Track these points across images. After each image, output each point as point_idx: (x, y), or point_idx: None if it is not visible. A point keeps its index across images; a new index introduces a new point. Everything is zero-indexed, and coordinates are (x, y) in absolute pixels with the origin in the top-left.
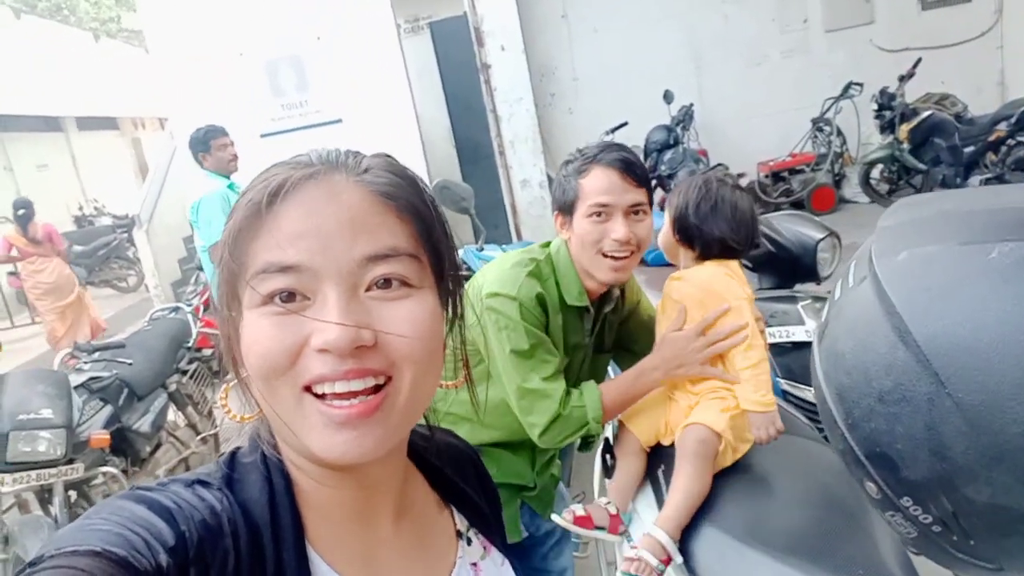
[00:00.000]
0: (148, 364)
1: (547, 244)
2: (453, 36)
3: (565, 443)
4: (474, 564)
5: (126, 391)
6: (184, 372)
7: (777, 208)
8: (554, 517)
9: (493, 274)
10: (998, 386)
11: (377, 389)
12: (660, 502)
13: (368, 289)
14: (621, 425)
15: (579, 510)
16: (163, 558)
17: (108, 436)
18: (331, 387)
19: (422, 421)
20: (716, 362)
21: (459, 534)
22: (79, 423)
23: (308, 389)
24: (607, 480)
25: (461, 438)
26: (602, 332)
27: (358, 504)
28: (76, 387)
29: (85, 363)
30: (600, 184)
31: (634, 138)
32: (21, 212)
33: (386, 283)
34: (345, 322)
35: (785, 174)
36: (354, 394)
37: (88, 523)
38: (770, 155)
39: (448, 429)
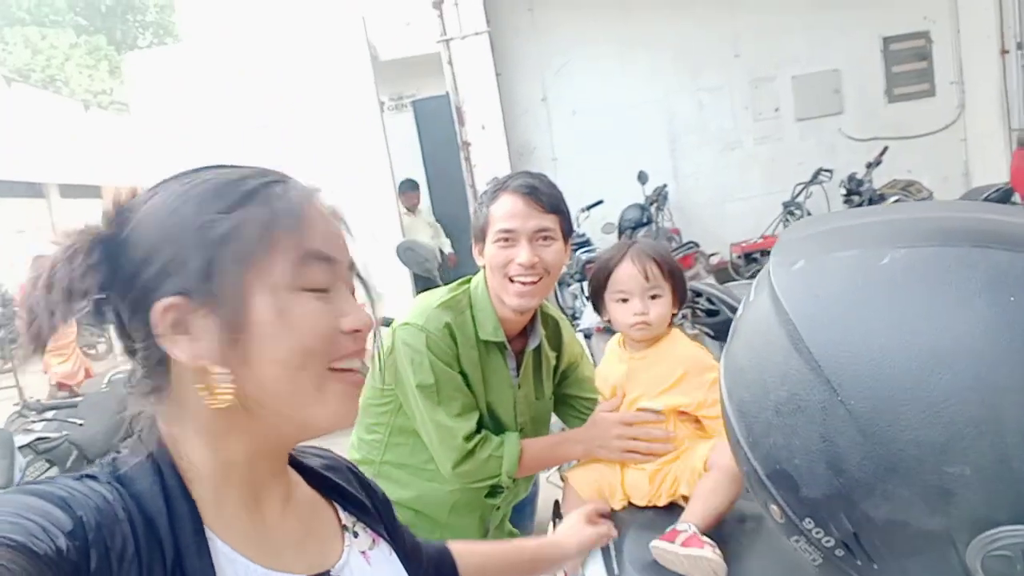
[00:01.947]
0: (101, 426)
1: (468, 280)
2: (435, 114)
3: (476, 484)
4: (363, 553)
5: (75, 453)
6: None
7: None
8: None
9: (411, 306)
10: (889, 392)
11: None
12: (611, 571)
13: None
14: (565, 480)
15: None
16: (62, 542)
17: None
18: (352, 363)
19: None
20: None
21: (344, 527)
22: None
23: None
24: None
25: (329, 451)
26: (538, 377)
27: (250, 492)
28: (21, 447)
29: (35, 422)
30: (506, 210)
31: (609, 216)
32: None
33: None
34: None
35: (757, 255)
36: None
37: None
38: (742, 236)
39: (326, 449)
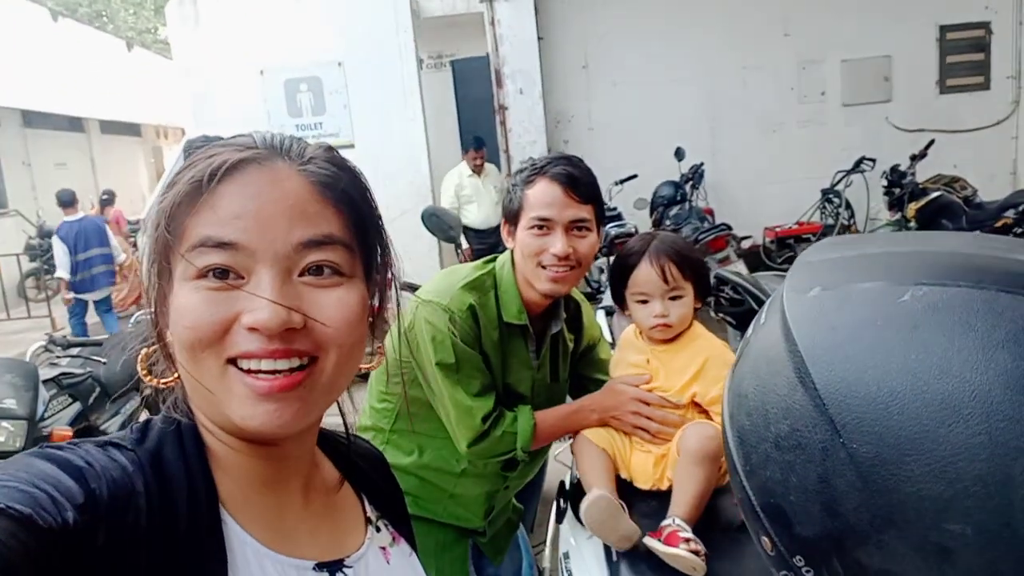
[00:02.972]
0: (124, 366)
1: (494, 259)
2: (474, 75)
3: (493, 459)
4: (383, 548)
5: (98, 390)
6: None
7: None
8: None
9: (434, 282)
10: (895, 440)
11: (301, 368)
12: (608, 554)
13: (301, 274)
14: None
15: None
16: (70, 515)
17: (70, 433)
18: (257, 364)
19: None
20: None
21: (368, 520)
22: (43, 417)
23: (232, 361)
24: (559, 526)
25: (369, 443)
26: (555, 360)
27: (269, 473)
28: (45, 381)
29: (60, 358)
30: (543, 197)
31: (642, 191)
32: (105, 197)
33: (318, 270)
34: (278, 302)
35: (791, 241)
36: (278, 371)
37: None
38: (777, 221)
39: (360, 436)
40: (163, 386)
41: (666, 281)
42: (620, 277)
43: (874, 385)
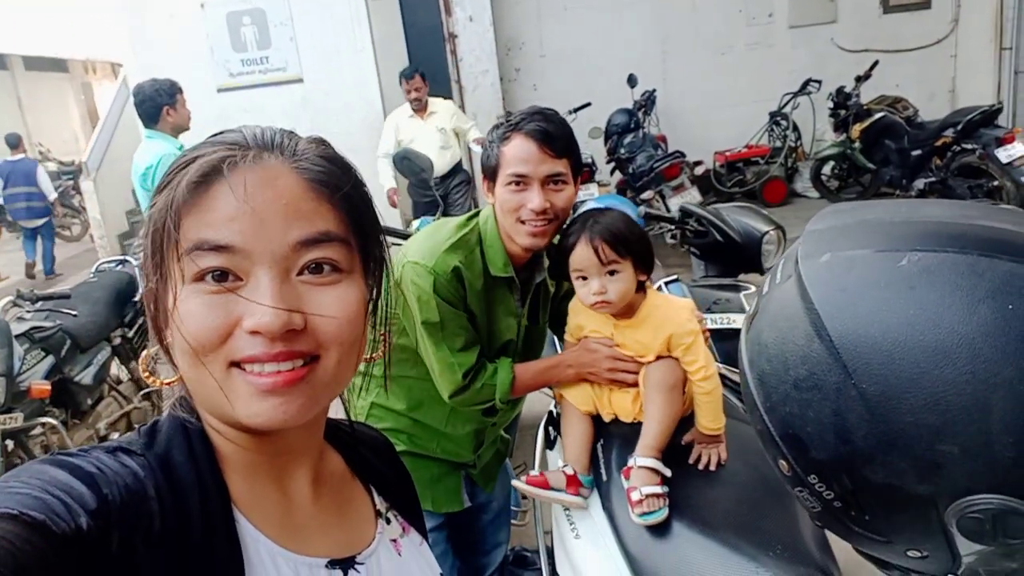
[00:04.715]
0: (93, 316)
1: (477, 213)
2: (421, 3)
3: (474, 407)
4: (394, 541)
5: (69, 342)
6: (129, 326)
7: (731, 198)
8: (514, 483)
9: (418, 241)
10: (896, 380)
11: (303, 365)
12: (598, 476)
13: (300, 273)
14: (560, 397)
15: (534, 473)
16: (83, 521)
17: (48, 387)
18: (260, 367)
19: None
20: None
21: (378, 513)
22: (19, 372)
23: (234, 363)
24: (548, 452)
25: (375, 429)
26: (536, 306)
27: (276, 468)
28: (17, 336)
29: (28, 312)
30: (519, 153)
31: (597, 119)
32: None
33: (317, 268)
34: (278, 306)
35: (740, 165)
36: (281, 369)
37: (6, 486)
38: (727, 145)
39: (364, 423)
40: (166, 386)
41: (601, 260)
42: (562, 257)
43: (879, 335)
